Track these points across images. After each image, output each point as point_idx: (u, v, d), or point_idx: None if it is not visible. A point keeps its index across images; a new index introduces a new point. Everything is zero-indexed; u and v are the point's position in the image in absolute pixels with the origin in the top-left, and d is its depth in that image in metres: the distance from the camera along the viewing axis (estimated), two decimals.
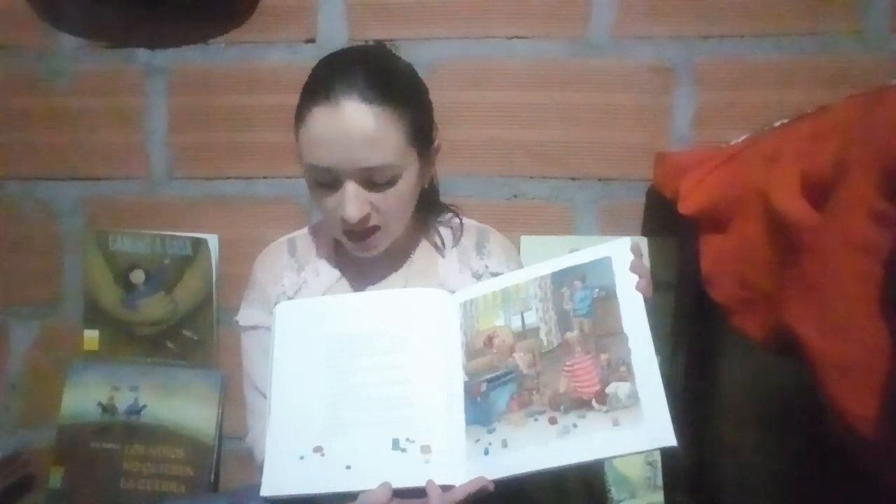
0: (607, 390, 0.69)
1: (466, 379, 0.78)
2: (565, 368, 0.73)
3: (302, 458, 0.75)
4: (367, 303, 0.84)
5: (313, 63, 0.83)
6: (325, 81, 0.77)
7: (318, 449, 0.75)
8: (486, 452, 0.73)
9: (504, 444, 0.72)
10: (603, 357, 0.71)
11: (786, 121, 0.89)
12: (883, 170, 0.57)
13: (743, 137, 0.97)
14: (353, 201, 0.76)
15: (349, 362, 0.79)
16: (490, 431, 0.74)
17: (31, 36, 1.20)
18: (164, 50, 1.19)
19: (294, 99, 0.81)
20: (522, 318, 0.78)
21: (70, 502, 1.16)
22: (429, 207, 0.93)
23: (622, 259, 0.75)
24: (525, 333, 0.77)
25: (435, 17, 1.15)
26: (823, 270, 0.62)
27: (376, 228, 0.81)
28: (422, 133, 0.82)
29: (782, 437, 0.90)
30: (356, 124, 0.74)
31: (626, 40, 1.13)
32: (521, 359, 0.76)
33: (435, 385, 0.78)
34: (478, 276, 0.91)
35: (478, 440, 0.74)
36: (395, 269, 0.91)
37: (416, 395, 0.77)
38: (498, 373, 0.76)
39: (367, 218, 0.78)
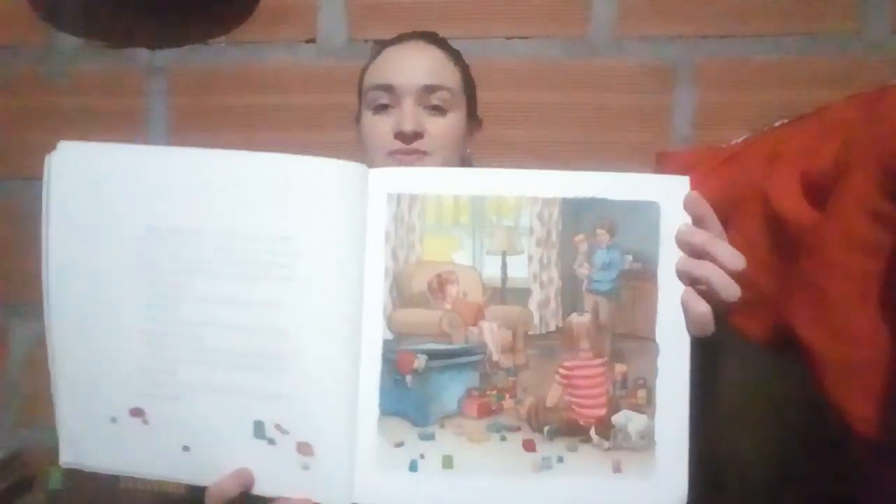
0: (614, 419, 0.51)
1: (390, 337, 0.51)
2: (561, 371, 0.51)
3: (114, 420, 0.53)
4: (222, 172, 0.52)
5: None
6: (395, 37, 0.90)
7: (137, 412, 0.53)
8: (414, 468, 0.50)
9: (447, 462, 0.50)
10: (618, 369, 0.51)
11: (786, 121, 0.89)
12: (883, 170, 0.57)
13: (743, 137, 0.97)
14: (409, 114, 0.81)
15: (184, 282, 0.51)
16: (425, 437, 0.50)
17: (31, 36, 1.20)
18: (163, 50, 1.19)
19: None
20: (504, 263, 0.51)
21: (70, 502, 1.16)
22: None
23: (675, 212, 0.49)
24: (504, 293, 0.51)
25: (435, 17, 1.15)
26: (823, 270, 0.62)
27: (424, 154, 0.83)
28: (470, 92, 0.90)
29: (782, 436, 0.90)
30: (420, 49, 0.86)
31: (626, 40, 1.13)
32: (491, 333, 0.51)
33: (331, 340, 0.51)
34: None
35: (400, 444, 0.50)
36: None
37: (296, 355, 0.51)
38: (450, 346, 0.51)
39: (420, 134, 0.82)
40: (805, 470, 0.84)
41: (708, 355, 0.55)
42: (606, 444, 0.51)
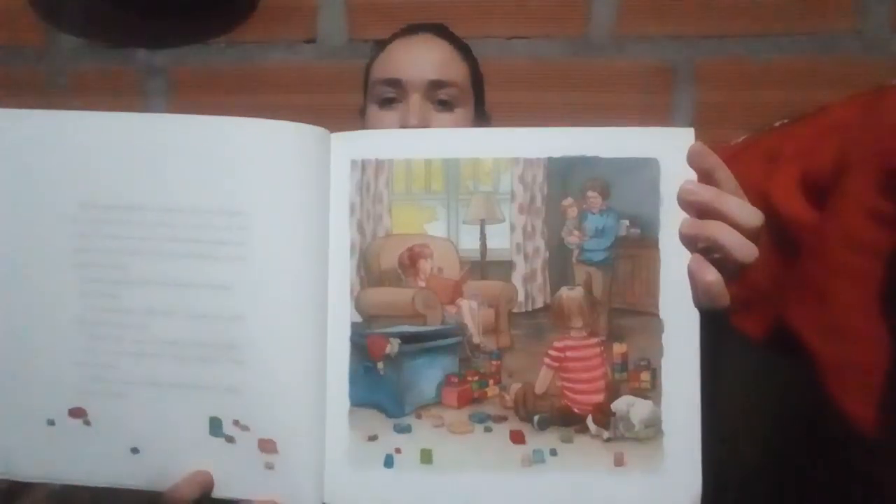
0: (614, 406, 0.45)
1: (358, 320, 0.46)
2: (551, 353, 0.45)
3: (52, 422, 0.47)
4: (164, 139, 0.50)
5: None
6: (403, 28, 0.89)
7: (77, 412, 0.47)
8: (389, 463, 0.46)
9: (426, 457, 0.45)
10: (617, 348, 0.45)
11: (786, 121, 0.89)
12: (883, 170, 0.57)
13: (743, 137, 0.97)
14: (416, 110, 0.80)
15: (123, 265, 0.46)
16: (401, 430, 0.46)
17: (31, 36, 1.20)
18: (163, 50, 1.19)
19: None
20: (483, 233, 0.46)
21: (70, 502, 1.16)
22: None
23: (677, 168, 0.44)
24: (484, 267, 0.45)
25: (435, 17, 1.15)
26: (823, 270, 0.62)
27: None
28: (478, 87, 0.89)
29: (782, 436, 0.90)
30: (429, 43, 0.86)
31: (626, 40, 1.13)
32: (471, 312, 0.46)
33: (292, 325, 0.46)
34: None
35: (373, 437, 0.46)
36: None
37: (253, 344, 0.46)
38: (425, 328, 0.46)
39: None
40: (804, 470, 0.84)
41: (707, 351, 0.54)
42: (606, 435, 0.45)
